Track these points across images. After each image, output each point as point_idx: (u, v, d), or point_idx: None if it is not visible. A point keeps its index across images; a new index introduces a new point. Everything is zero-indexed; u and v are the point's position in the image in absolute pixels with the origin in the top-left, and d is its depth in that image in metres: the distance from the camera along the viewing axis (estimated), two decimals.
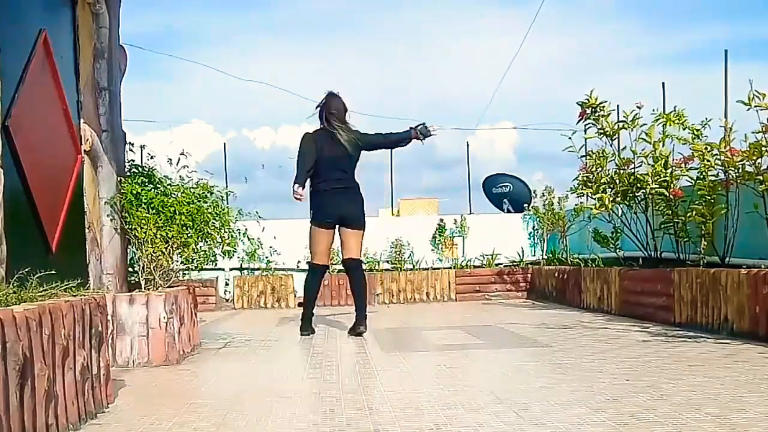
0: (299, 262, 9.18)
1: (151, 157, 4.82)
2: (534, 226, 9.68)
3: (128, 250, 4.57)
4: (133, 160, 4.84)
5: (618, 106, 6.73)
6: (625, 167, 5.97)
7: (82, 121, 4.20)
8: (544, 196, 9.31)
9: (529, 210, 9.71)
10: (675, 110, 5.73)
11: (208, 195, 4.67)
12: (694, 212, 5.37)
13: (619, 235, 6.55)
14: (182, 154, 4.73)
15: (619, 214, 6.36)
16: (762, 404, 2.69)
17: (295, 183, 5.32)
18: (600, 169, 6.16)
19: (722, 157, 5.16)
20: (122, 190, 4.42)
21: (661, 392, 2.95)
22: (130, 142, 4.79)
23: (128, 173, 4.67)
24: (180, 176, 4.71)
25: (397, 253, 9.20)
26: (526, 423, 2.50)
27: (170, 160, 4.72)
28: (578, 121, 6.34)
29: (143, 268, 4.47)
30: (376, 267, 9.04)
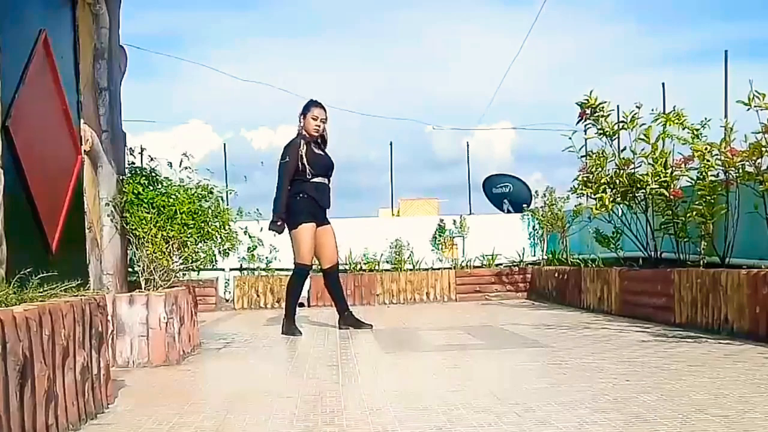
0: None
1: (152, 159, 4.81)
2: (534, 227, 9.69)
3: (128, 250, 4.56)
4: (134, 162, 4.84)
5: (618, 106, 6.74)
6: (625, 167, 5.97)
7: (82, 121, 4.20)
8: (544, 196, 9.31)
9: (527, 212, 9.72)
10: (674, 110, 5.74)
11: (209, 195, 4.67)
12: (694, 212, 5.37)
13: (619, 235, 6.55)
14: (185, 155, 4.74)
15: (619, 215, 6.36)
16: (764, 404, 2.69)
17: None
18: (600, 169, 6.16)
19: (722, 158, 5.16)
20: (123, 189, 4.41)
21: (663, 392, 2.94)
22: (130, 148, 4.79)
23: (129, 174, 4.66)
24: (180, 178, 4.71)
25: (397, 253, 9.20)
26: (528, 423, 2.49)
27: (170, 163, 4.72)
28: (578, 122, 6.34)
29: (143, 268, 4.47)
30: (377, 267, 9.04)
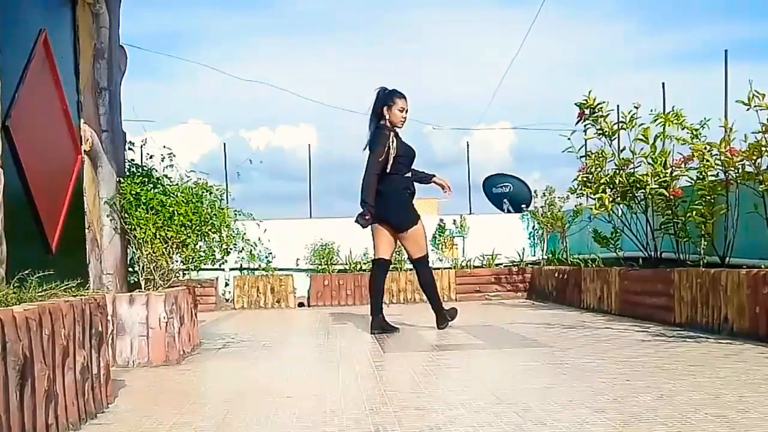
0: (298, 260, 9.21)
1: (151, 157, 4.82)
2: (534, 227, 9.69)
3: (128, 250, 4.56)
4: (133, 160, 4.84)
5: (618, 106, 6.75)
6: (625, 167, 5.97)
7: (82, 121, 4.20)
8: (544, 195, 9.31)
9: (527, 212, 9.72)
10: (673, 110, 5.74)
11: (207, 194, 4.66)
12: (694, 212, 5.37)
13: (618, 235, 6.56)
14: (170, 154, 4.72)
15: (619, 215, 6.36)
16: (763, 404, 2.69)
17: None
18: (599, 169, 6.16)
19: (722, 157, 5.16)
20: (122, 191, 4.42)
21: (662, 392, 2.95)
22: (130, 141, 4.79)
23: (128, 173, 4.66)
24: (180, 175, 4.71)
25: (397, 253, 9.19)
26: (527, 423, 2.50)
27: (163, 158, 4.71)
28: (577, 122, 6.34)
29: (143, 268, 4.47)
30: None
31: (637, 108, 5.94)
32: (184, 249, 4.52)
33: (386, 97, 5.58)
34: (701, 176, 5.40)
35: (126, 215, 4.39)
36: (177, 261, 4.61)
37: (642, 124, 5.89)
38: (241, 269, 9.14)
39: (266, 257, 8.90)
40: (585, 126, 6.41)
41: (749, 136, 4.95)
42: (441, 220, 9.79)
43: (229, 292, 9.03)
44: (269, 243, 8.52)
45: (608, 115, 6.22)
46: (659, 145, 5.76)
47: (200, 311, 5.49)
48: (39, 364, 2.28)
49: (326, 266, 8.93)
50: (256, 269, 9.08)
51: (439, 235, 9.62)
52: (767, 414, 2.54)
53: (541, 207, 9.37)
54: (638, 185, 5.85)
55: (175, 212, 4.41)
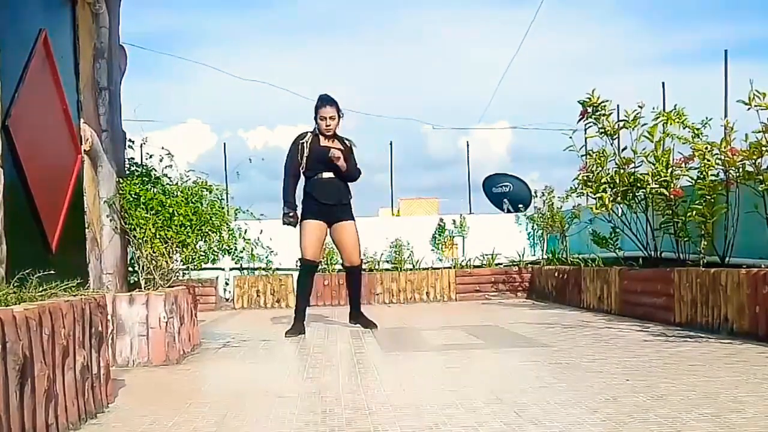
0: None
1: (150, 156, 4.81)
2: (534, 227, 9.68)
3: (128, 250, 4.56)
4: (133, 158, 4.83)
5: (618, 105, 6.75)
6: (626, 167, 5.97)
7: (82, 121, 4.20)
8: (543, 195, 9.30)
9: (522, 214, 9.73)
10: (675, 109, 5.73)
11: (206, 193, 4.65)
12: (694, 212, 5.37)
13: (618, 235, 6.55)
14: (168, 154, 4.72)
15: (619, 214, 6.36)
16: (760, 404, 2.69)
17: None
18: (600, 168, 6.16)
19: (723, 157, 5.16)
20: (121, 191, 4.41)
21: (660, 392, 2.95)
22: (130, 139, 4.79)
23: (128, 172, 4.66)
24: (180, 174, 4.71)
25: (397, 253, 9.20)
26: (524, 422, 2.50)
27: (161, 159, 4.71)
28: (579, 120, 6.33)
29: (143, 267, 4.47)
30: (376, 267, 9.04)
31: (641, 107, 5.94)
32: (184, 249, 4.52)
33: (315, 105, 5.67)
34: (702, 176, 5.40)
35: (126, 215, 4.39)
36: (177, 261, 4.60)
37: (644, 123, 5.89)
38: (241, 269, 9.14)
39: (266, 257, 8.89)
40: (586, 125, 6.41)
41: (750, 135, 4.95)
42: (441, 219, 9.78)
43: (229, 291, 9.03)
44: (269, 242, 8.51)
45: (611, 114, 6.22)
46: (662, 144, 5.75)
47: (200, 311, 5.48)
48: (39, 364, 2.28)
49: (326, 266, 8.93)
50: (256, 269, 9.07)
51: (439, 235, 9.62)
52: (765, 414, 2.54)
53: (539, 208, 9.37)
54: (639, 185, 5.85)
55: (175, 212, 4.41)
